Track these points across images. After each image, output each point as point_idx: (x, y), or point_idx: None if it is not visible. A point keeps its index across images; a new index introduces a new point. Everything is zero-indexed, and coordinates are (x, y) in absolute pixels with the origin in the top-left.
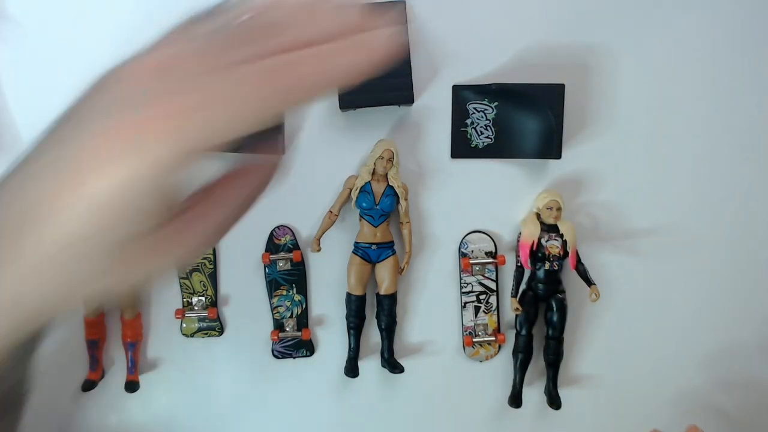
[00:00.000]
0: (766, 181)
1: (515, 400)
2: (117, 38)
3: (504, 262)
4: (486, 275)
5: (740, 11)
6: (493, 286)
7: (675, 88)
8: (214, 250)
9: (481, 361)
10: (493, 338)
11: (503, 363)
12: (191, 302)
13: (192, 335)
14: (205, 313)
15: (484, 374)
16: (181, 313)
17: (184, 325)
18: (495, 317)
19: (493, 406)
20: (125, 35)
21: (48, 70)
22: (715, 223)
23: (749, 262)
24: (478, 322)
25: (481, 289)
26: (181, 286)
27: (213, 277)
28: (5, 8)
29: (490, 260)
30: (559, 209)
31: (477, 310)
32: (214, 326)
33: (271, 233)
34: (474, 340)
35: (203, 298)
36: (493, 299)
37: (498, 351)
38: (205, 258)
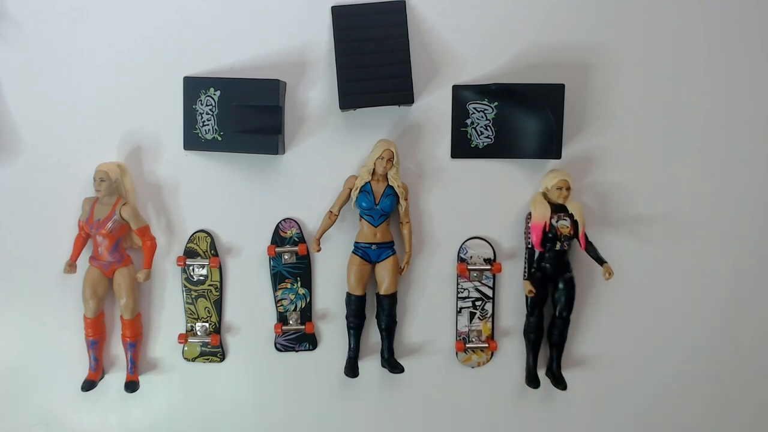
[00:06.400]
0: (762, 176)
1: (533, 380)
2: (116, 39)
3: (500, 270)
4: (483, 282)
5: (739, 11)
6: (489, 293)
7: (675, 88)
8: (221, 277)
9: (473, 368)
10: (486, 345)
11: (498, 368)
12: (194, 327)
13: (193, 360)
14: (207, 339)
15: (482, 375)
16: (183, 338)
17: (186, 349)
18: (489, 324)
19: (492, 407)
20: (124, 36)
21: (47, 70)
22: (715, 216)
23: (749, 249)
24: (473, 328)
25: (477, 295)
26: (185, 311)
27: (218, 304)
28: (5, 8)
29: (489, 267)
30: (568, 189)
31: (472, 316)
32: (216, 352)
33: (277, 226)
34: (467, 346)
35: (207, 324)
36: (488, 306)
37: (491, 358)
38: (211, 285)
